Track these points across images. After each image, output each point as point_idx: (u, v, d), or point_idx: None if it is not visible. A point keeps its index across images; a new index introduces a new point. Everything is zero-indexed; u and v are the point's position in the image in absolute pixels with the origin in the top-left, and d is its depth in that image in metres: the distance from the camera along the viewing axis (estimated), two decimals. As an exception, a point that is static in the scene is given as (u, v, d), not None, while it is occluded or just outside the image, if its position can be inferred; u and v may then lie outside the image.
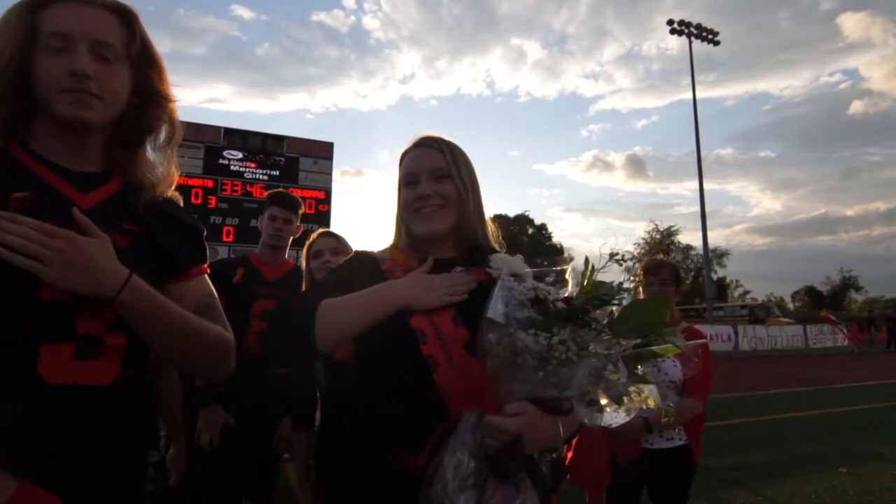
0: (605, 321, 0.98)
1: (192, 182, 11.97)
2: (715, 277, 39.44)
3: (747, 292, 49.70)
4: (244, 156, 13.45)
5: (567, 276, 1.05)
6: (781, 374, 12.70)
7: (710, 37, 28.39)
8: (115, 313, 0.94)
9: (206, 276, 1.13)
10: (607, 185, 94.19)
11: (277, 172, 13.66)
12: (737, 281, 50.44)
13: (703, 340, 2.34)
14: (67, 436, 0.89)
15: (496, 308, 0.94)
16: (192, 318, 1.00)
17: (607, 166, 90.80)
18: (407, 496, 0.92)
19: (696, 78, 25.91)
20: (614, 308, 0.99)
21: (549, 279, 1.03)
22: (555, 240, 50.58)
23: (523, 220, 49.20)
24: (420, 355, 1.03)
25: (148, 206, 1.05)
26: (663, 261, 2.47)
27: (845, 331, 21.84)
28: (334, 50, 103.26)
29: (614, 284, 0.99)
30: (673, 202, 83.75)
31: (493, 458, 0.90)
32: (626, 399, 0.99)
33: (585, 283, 1.00)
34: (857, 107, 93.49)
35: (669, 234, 45.32)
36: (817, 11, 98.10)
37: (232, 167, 13.12)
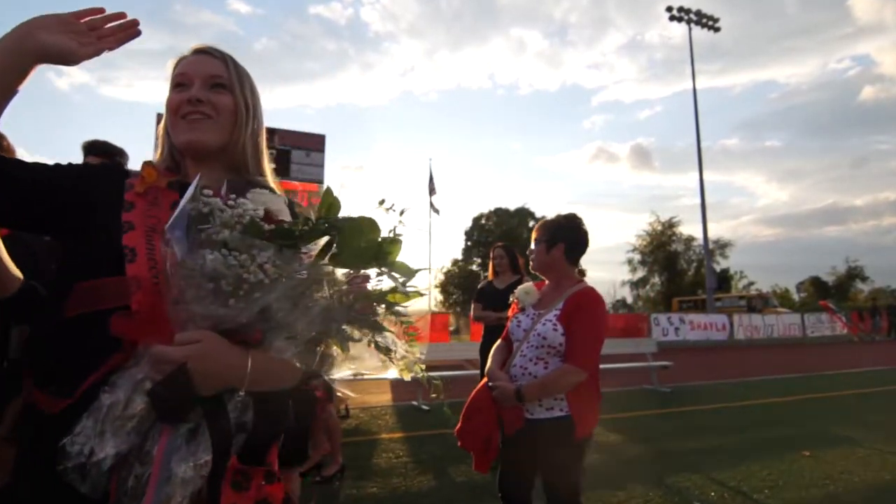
0: (322, 251, 0.86)
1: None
2: (718, 269, 39.01)
3: (752, 283, 49.12)
4: (232, 147, 13.37)
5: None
6: (774, 362, 12.51)
7: (711, 23, 28.01)
8: None
9: None
10: (611, 178, 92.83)
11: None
12: (741, 272, 49.83)
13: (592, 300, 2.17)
14: None
15: (179, 223, 0.80)
16: None
17: (611, 158, 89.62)
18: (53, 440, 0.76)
19: (701, 67, 25.75)
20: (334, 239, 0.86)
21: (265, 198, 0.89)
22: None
23: (524, 214, 48.91)
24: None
25: None
26: (546, 221, 2.35)
27: (844, 319, 21.54)
28: (333, 43, 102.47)
29: (332, 218, 0.86)
30: (679, 193, 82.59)
31: (151, 391, 0.75)
32: (355, 349, 0.88)
33: (314, 212, 0.86)
34: (868, 93, 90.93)
35: (671, 225, 44.97)
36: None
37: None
